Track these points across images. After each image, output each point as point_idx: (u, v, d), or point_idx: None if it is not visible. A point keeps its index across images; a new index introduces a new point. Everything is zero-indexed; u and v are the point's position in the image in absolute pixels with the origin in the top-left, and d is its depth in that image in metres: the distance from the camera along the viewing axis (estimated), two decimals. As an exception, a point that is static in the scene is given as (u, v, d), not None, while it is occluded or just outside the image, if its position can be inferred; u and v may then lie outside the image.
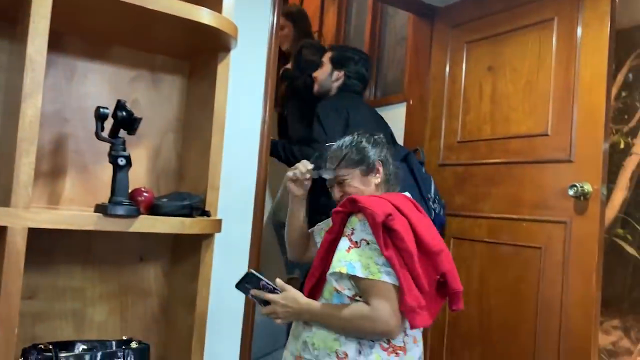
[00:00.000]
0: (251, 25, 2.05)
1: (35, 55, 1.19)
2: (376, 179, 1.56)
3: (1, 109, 1.38)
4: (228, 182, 1.76)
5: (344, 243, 1.41)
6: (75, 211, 1.34)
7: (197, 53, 1.64)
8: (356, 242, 1.39)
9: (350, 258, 1.37)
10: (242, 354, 2.07)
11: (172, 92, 1.70)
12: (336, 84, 2.57)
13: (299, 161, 2.27)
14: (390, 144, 2.54)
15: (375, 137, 1.63)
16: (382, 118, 2.64)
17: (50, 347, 1.37)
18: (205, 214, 1.49)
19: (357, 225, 1.41)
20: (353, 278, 1.38)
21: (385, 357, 1.37)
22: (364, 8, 3.55)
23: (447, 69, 2.69)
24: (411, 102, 2.84)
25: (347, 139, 1.61)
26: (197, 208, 1.46)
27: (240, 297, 2.04)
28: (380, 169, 1.57)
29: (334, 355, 1.38)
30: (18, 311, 1.18)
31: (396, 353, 1.38)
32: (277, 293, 1.45)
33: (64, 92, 1.53)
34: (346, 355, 1.37)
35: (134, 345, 1.51)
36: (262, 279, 1.45)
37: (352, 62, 2.57)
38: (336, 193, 1.59)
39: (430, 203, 2.38)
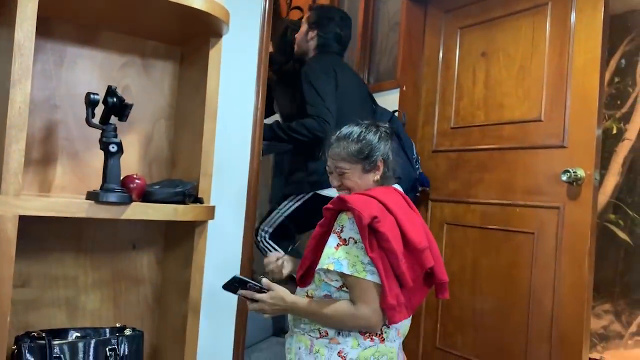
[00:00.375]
0: (243, 10, 2.02)
1: (24, 41, 1.17)
2: (375, 175, 1.58)
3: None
4: (221, 169, 1.76)
5: (333, 240, 1.46)
6: (66, 198, 1.33)
7: (188, 38, 1.62)
8: (345, 239, 1.44)
9: (338, 255, 1.43)
10: (236, 341, 2.08)
11: (163, 78, 1.68)
12: (311, 44, 2.58)
13: (301, 134, 2.27)
14: (374, 109, 2.56)
15: (382, 129, 1.62)
16: (362, 81, 2.64)
17: (44, 334, 1.37)
18: (198, 200, 1.49)
19: (346, 223, 1.45)
20: (340, 273, 1.43)
21: (362, 341, 1.45)
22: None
23: (441, 54, 2.68)
24: (404, 88, 2.83)
25: (355, 130, 1.59)
26: (189, 195, 1.46)
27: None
28: (381, 166, 1.58)
29: (317, 331, 1.47)
30: (10, 299, 1.18)
31: (371, 339, 1.46)
32: (264, 292, 1.49)
33: (54, 78, 1.51)
34: (327, 333, 1.46)
35: (127, 332, 1.51)
36: (248, 281, 1.48)
37: (326, 22, 2.56)
38: (334, 181, 1.61)
39: (414, 163, 2.45)
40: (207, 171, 1.51)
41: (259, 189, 2.20)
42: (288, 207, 2.40)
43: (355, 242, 1.43)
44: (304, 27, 2.62)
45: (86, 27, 1.54)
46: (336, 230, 1.46)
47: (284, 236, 2.55)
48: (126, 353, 1.48)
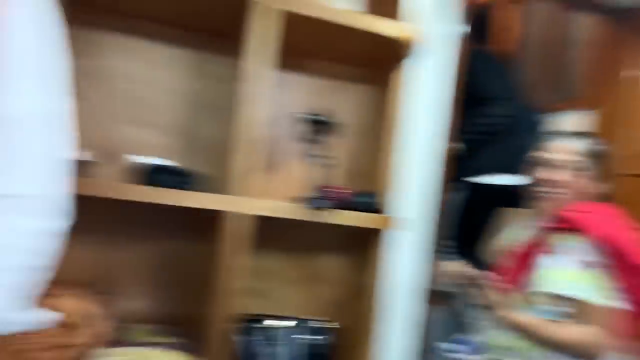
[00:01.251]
0: (437, 32, 2.08)
1: (260, 71, 1.41)
2: (595, 190, 1.45)
3: (226, 113, 1.60)
4: (406, 184, 1.87)
5: (567, 263, 1.36)
6: (284, 202, 1.53)
7: (382, 62, 1.74)
8: (584, 263, 1.34)
9: (579, 281, 1.33)
10: (416, 344, 2.14)
11: (358, 99, 1.86)
12: None
13: None
14: None
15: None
16: None
17: (255, 318, 1.61)
18: (387, 211, 1.63)
19: (579, 246, 1.36)
20: (576, 300, 1.33)
21: None
22: (544, 10, 3.42)
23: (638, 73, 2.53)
24: (594, 108, 2.71)
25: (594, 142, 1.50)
26: (377, 205, 1.62)
27: (415, 289, 2.11)
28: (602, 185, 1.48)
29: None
30: (237, 286, 1.42)
31: None
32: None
33: (274, 100, 1.72)
34: None
35: (323, 325, 1.70)
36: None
37: None
38: (553, 174, 1.46)
39: None
40: (395, 185, 1.66)
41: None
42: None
43: (597, 267, 1.32)
44: None
45: (294, 57, 1.74)
46: (567, 253, 1.36)
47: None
48: (323, 344, 1.66)
